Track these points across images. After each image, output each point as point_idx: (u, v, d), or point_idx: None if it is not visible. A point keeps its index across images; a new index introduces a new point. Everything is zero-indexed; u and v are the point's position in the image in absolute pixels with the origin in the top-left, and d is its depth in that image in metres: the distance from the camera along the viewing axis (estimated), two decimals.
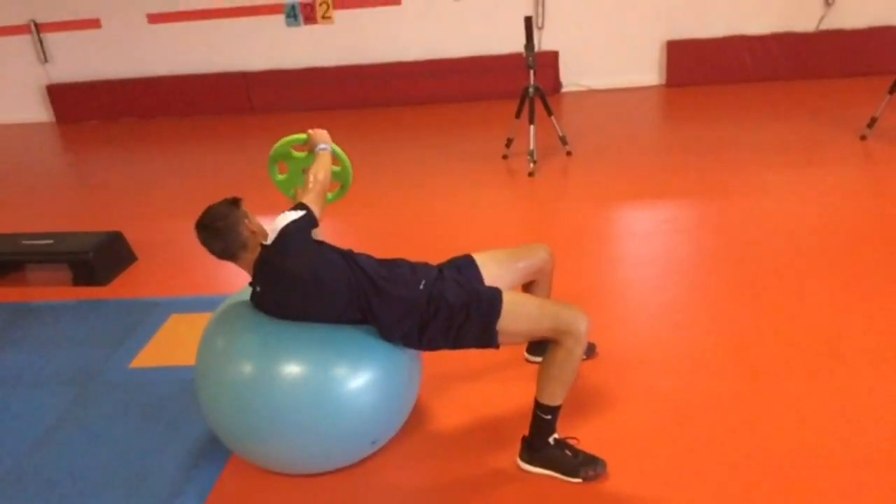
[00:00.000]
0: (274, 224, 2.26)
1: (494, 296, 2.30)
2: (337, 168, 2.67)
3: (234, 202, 2.34)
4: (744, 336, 3.02)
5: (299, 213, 2.27)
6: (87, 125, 7.84)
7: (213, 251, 2.33)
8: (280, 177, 2.79)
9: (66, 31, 7.67)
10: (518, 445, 2.40)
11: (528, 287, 2.70)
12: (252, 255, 2.30)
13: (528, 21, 5.03)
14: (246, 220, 2.30)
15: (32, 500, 2.45)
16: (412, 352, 2.43)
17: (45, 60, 7.83)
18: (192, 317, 3.53)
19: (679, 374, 2.81)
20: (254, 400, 2.21)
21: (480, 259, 2.57)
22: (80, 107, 7.89)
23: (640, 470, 2.34)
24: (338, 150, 2.62)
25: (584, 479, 2.30)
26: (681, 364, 2.87)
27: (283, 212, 2.29)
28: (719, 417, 2.55)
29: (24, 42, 7.77)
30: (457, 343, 2.33)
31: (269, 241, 2.25)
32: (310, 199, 2.36)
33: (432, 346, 2.36)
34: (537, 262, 2.64)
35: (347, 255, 2.35)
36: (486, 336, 2.29)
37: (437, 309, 2.30)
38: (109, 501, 2.42)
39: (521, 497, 2.28)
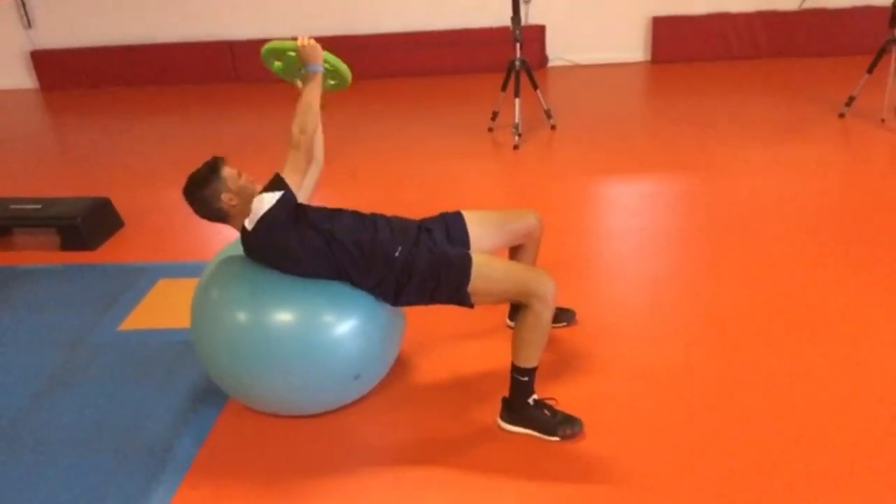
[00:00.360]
0: (253, 210, 2.31)
1: (463, 261, 2.38)
2: (333, 72, 2.64)
3: (214, 168, 2.38)
4: (722, 307, 3.11)
5: (276, 197, 2.29)
6: (73, 92, 7.78)
7: (201, 216, 2.42)
8: (277, 64, 2.73)
9: None
10: (499, 405, 2.49)
11: (515, 251, 2.78)
12: (240, 219, 2.37)
13: None
14: (224, 195, 2.36)
15: (27, 456, 2.51)
16: None
17: (29, 26, 7.75)
18: (180, 282, 3.58)
19: (657, 342, 2.91)
20: (247, 340, 2.34)
21: (469, 218, 2.65)
22: (65, 73, 7.82)
23: (616, 430, 2.43)
24: (332, 58, 2.57)
25: (562, 437, 2.39)
26: (659, 333, 2.97)
27: (260, 192, 2.32)
28: (695, 384, 2.64)
29: (8, 7, 7.67)
30: (432, 302, 2.45)
31: (249, 226, 2.32)
32: (291, 164, 2.34)
33: (408, 304, 2.50)
34: (525, 226, 2.71)
35: (327, 233, 2.38)
36: (458, 297, 2.40)
37: (409, 275, 2.40)
38: (105, 454, 2.49)
39: (501, 454, 2.37)
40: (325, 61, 2.56)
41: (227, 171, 2.39)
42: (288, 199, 2.31)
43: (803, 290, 3.18)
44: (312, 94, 2.42)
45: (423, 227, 2.57)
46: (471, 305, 2.41)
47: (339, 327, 2.37)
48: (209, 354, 2.46)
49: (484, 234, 2.64)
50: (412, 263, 2.39)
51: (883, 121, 5.06)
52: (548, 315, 2.33)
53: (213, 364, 2.48)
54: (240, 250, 2.49)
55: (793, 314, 3.02)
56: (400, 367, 2.80)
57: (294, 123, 2.37)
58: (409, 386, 2.75)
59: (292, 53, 2.61)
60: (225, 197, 2.36)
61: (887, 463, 2.22)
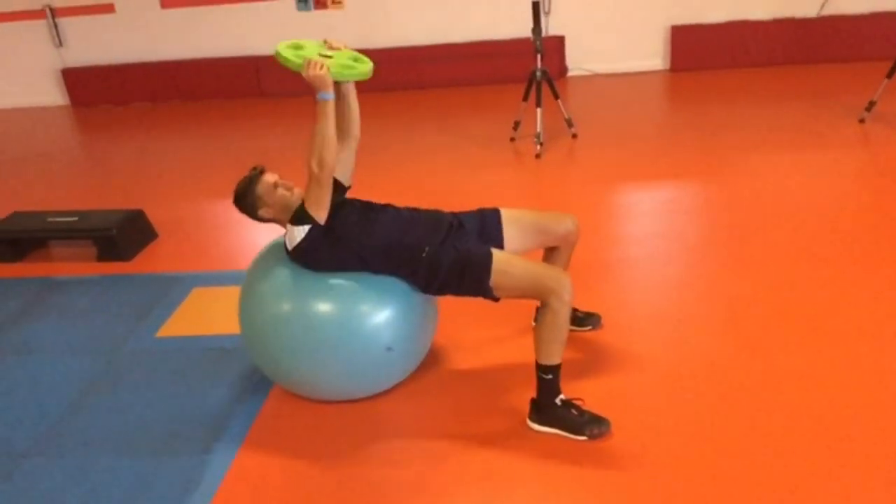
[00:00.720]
0: (288, 234, 2.52)
1: (484, 258, 2.49)
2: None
3: (251, 182, 2.58)
4: (743, 308, 3.16)
5: (305, 231, 2.47)
6: (102, 108, 7.98)
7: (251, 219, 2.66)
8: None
9: (81, 15, 7.79)
10: (528, 402, 2.56)
11: (549, 252, 2.85)
12: (283, 222, 2.57)
13: (536, 6, 5.15)
14: (260, 210, 2.58)
15: (71, 457, 2.61)
16: None
17: (60, 44, 7.96)
18: (213, 290, 3.69)
19: (681, 343, 2.96)
20: (291, 325, 2.53)
21: (506, 216, 2.74)
22: (95, 90, 8.02)
23: (642, 429, 2.49)
24: (341, 74, 2.50)
25: (590, 436, 2.45)
26: (683, 334, 3.02)
27: (289, 223, 2.50)
28: (718, 383, 2.69)
29: (40, 26, 7.90)
30: (459, 294, 2.58)
31: (289, 247, 2.52)
32: (314, 199, 2.45)
33: (438, 294, 2.65)
34: (562, 229, 2.77)
35: (357, 245, 2.52)
36: (481, 290, 2.51)
37: (436, 271, 2.53)
38: (148, 451, 2.59)
39: (529, 453, 2.43)
40: (336, 80, 2.50)
41: (263, 186, 2.57)
42: (315, 233, 2.48)
43: (824, 292, 3.21)
44: (325, 123, 2.41)
45: (455, 221, 2.67)
46: (495, 299, 2.53)
47: (376, 308, 2.54)
48: (256, 341, 2.63)
49: (518, 233, 2.73)
50: (438, 260, 2.52)
51: None
52: (565, 312, 2.40)
53: (259, 350, 2.65)
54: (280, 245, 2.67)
55: (814, 316, 3.05)
56: (433, 360, 2.91)
57: (311, 158, 2.38)
58: (441, 380, 2.85)
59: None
60: (262, 211, 2.59)
61: None
